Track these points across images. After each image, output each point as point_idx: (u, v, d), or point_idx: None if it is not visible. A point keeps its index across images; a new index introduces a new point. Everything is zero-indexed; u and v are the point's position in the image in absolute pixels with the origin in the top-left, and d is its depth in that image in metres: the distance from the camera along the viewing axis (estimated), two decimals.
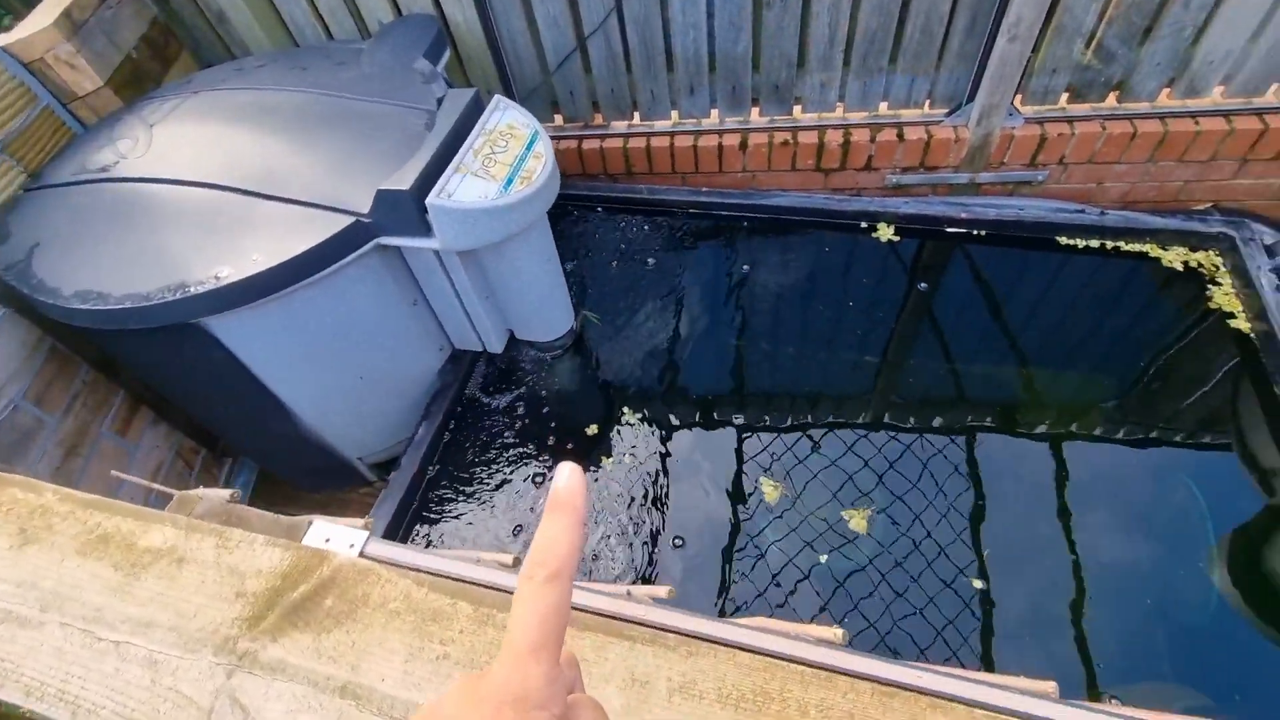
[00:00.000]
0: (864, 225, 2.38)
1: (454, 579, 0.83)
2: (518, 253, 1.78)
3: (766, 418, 1.99)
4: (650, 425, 2.01)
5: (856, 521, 1.74)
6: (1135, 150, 2.21)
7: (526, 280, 1.86)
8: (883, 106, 2.37)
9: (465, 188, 1.56)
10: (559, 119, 2.61)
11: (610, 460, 1.93)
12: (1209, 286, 2.06)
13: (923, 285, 2.26)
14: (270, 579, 0.84)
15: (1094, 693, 1.56)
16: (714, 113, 2.48)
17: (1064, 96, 2.24)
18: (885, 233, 2.34)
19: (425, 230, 1.59)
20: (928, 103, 2.33)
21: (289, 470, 2.20)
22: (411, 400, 2.03)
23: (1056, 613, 1.62)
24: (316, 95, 1.90)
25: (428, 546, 1.77)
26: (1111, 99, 2.23)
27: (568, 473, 0.35)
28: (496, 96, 1.78)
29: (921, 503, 1.77)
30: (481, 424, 2.05)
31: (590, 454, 1.96)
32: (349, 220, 1.57)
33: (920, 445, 1.88)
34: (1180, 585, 1.64)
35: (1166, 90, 2.18)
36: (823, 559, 1.71)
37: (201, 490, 1.01)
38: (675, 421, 2.01)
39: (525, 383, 2.13)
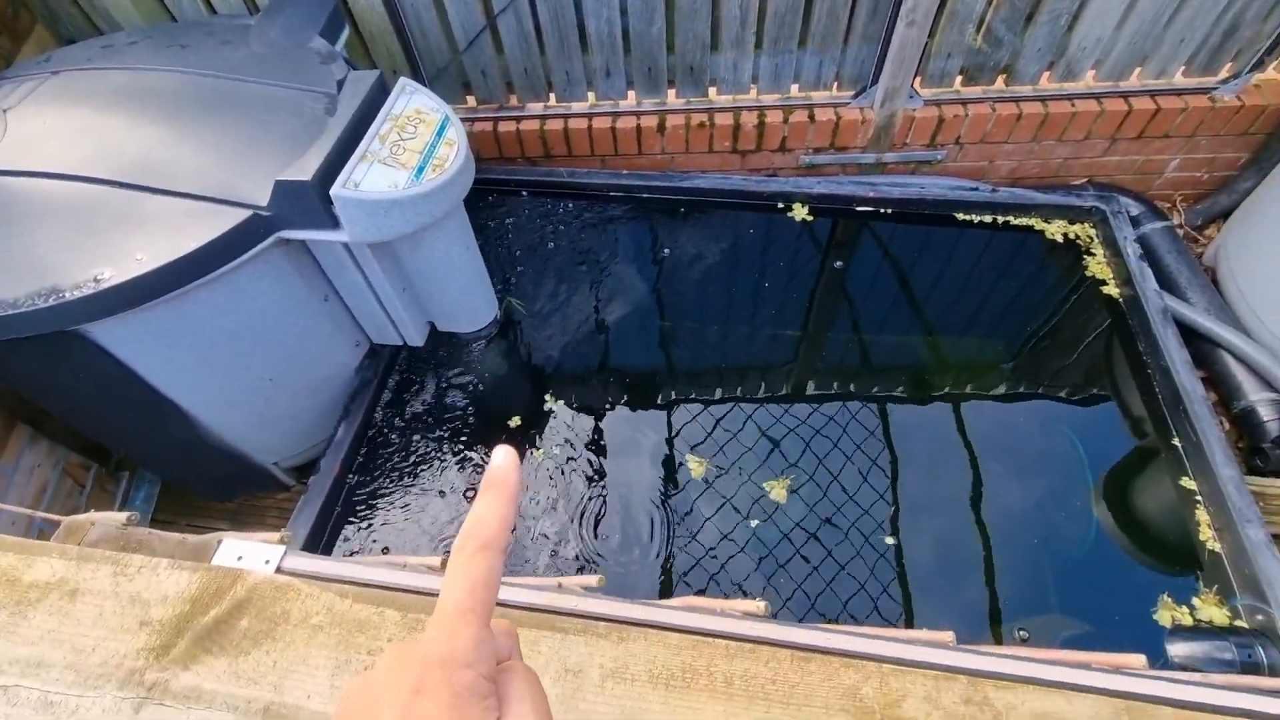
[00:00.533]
0: (780, 206, 2.45)
1: (379, 587, 0.81)
2: (434, 243, 1.73)
3: (691, 394, 2.04)
4: (578, 410, 2.01)
5: (777, 491, 1.82)
6: (1021, 130, 2.38)
7: (445, 270, 1.81)
8: (794, 88, 2.43)
9: (373, 177, 1.49)
10: (472, 100, 2.52)
11: (540, 449, 1.93)
12: (1085, 256, 2.26)
13: (838, 263, 2.36)
14: (178, 604, 0.80)
15: (999, 629, 1.71)
16: (631, 94, 2.47)
17: (958, 80, 2.37)
18: (800, 213, 2.42)
19: (332, 223, 1.51)
20: (835, 85, 2.41)
21: (196, 481, 2.06)
22: (328, 400, 1.95)
23: (964, 558, 1.76)
24: (200, 77, 1.75)
25: (353, 553, 1.72)
26: (1000, 82, 2.38)
27: (502, 454, 0.37)
28: (402, 79, 1.70)
29: (840, 466, 1.88)
30: (406, 421, 1.99)
31: (520, 443, 1.95)
32: (246, 214, 1.47)
33: (837, 413, 1.98)
34: (1066, 525, 1.82)
35: (1047, 74, 2.35)
36: (753, 524, 1.78)
37: (94, 515, 0.94)
38: (604, 404, 2.03)
39: (450, 375, 2.08)
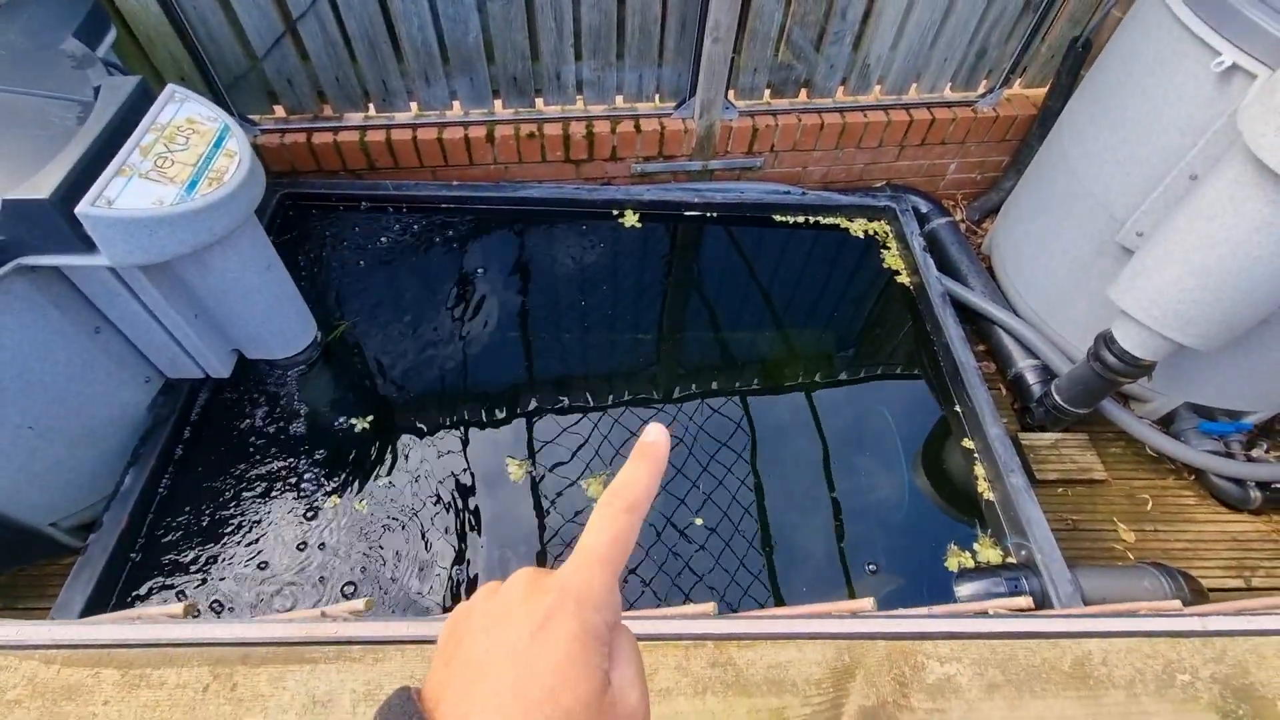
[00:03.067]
0: (615, 213, 2.52)
1: (98, 646, 0.72)
2: (225, 263, 1.59)
3: (526, 404, 2.02)
4: (409, 433, 1.93)
5: (594, 489, 1.85)
6: (825, 139, 2.61)
7: (242, 292, 1.67)
8: (619, 99, 2.51)
9: (132, 193, 1.34)
10: (281, 110, 2.36)
11: (367, 483, 1.83)
12: (882, 250, 2.52)
13: (669, 265, 2.46)
14: None
15: (837, 593, 1.83)
16: (456, 105, 2.43)
17: (767, 93, 2.56)
18: (630, 219, 2.49)
19: (85, 245, 1.35)
20: (658, 97, 2.52)
21: None
22: (115, 446, 1.72)
23: (806, 536, 1.87)
24: None
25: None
26: (803, 95, 2.60)
27: (656, 430, 0.39)
28: (171, 86, 1.55)
29: (677, 458, 1.95)
30: (213, 461, 1.81)
31: (349, 473, 1.84)
32: None
33: (653, 414, 2.05)
34: (887, 492, 1.99)
35: (842, 88, 2.60)
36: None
37: None
38: (435, 424, 1.96)
39: (266, 407, 1.92)
